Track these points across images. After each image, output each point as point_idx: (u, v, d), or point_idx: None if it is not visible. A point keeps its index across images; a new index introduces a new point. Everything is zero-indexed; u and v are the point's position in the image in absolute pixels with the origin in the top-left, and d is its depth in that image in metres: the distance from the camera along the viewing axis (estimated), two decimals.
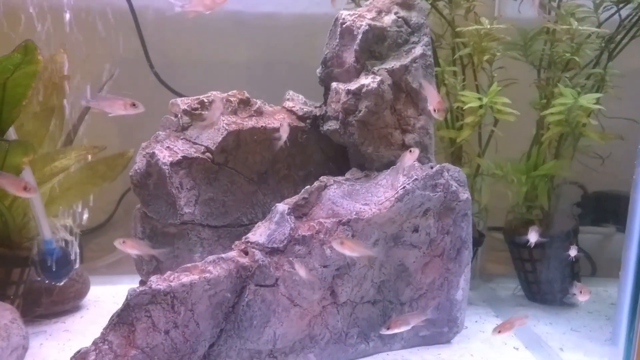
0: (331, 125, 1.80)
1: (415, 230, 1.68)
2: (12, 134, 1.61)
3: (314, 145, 1.89)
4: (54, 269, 1.84)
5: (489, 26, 1.78)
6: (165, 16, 2.42)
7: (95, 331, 1.40)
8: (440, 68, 1.93)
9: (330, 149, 1.90)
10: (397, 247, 1.69)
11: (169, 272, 1.49)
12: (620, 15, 1.96)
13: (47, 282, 1.88)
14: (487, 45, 1.84)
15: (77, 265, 1.95)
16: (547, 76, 1.97)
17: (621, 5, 1.91)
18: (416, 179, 1.62)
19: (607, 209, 2.41)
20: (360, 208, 1.61)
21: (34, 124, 1.71)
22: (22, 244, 1.81)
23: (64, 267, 1.87)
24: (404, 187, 1.60)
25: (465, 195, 1.70)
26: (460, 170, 1.70)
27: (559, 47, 1.89)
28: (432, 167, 1.70)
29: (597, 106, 1.78)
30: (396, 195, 1.59)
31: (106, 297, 2.19)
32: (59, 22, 1.89)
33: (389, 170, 1.70)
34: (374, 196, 1.64)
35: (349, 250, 1.48)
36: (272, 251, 1.55)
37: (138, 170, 1.73)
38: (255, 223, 1.66)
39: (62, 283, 1.91)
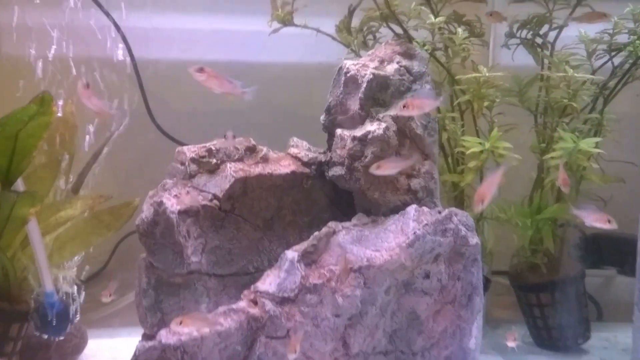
0: (337, 171, 1.80)
1: (427, 276, 1.67)
2: (20, 185, 1.59)
3: (319, 191, 1.89)
4: (54, 323, 1.78)
5: (487, 74, 1.84)
6: (164, 67, 2.48)
7: None
8: (441, 114, 1.96)
9: (335, 195, 1.90)
10: (409, 294, 1.67)
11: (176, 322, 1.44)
12: (612, 63, 2.04)
13: (46, 336, 1.81)
14: (486, 92, 1.89)
15: (77, 319, 1.90)
16: (544, 121, 2.02)
17: (613, 53, 1.99)
18: (426, 224, 1.62)
19: (606, 251, 2.42)
20: (371, 254, 1.60)
21: (42, 174, 1.69)
22: (21, 297, 1.76)
23: (64, 320, 1.82)
24: (414, 233, 1.60)
25: (474, 240, 1.70)
26: (467, 214, 1.71)
27: (556, 94, 1.94)
28: (440, 212, 1.70)
29: (597, 150, 1.82)
30: (407, 241, 1.59)
31: (104, 351, 2.12)
32: (61, 72, 1.91)
33: (397, 215, 1.70)
34: (384, 242, 1.63)
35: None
36: (282, 301, 1.52)
37: (145, 219, 1.70)
38: (262, 271, 1.63)
39: (61, 338, 1.84)
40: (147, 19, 2.43)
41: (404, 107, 1.55)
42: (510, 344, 1.62)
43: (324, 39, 2.35)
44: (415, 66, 1.83)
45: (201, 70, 1.51)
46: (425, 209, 1.66)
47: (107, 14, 2.26)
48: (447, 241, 1.66)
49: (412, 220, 1.62)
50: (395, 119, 1.77)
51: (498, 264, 2.20)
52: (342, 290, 1.54)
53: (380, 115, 1.77)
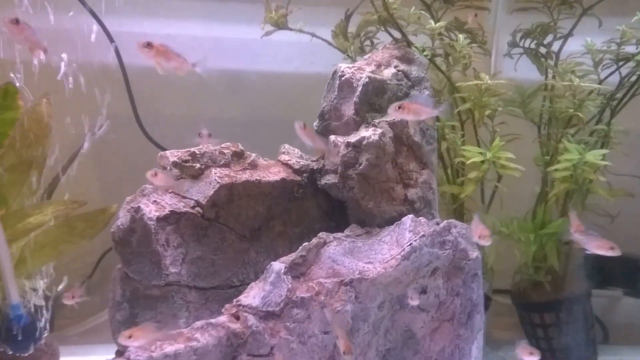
0: (329, 179, 1.71)
1: (424, 291, 1.55)
2: None
3: (311, 201, 1.80)
4: (19, 338, 1.64)
5: (489, 81, 1.75)
6: (156, 73, 2.41)
7: None
8: (440, 122, 1.87)
9: (328, 205, 1.80)
10: (404, 311, 1.56)
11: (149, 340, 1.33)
12: (620, 73, 1.95)
13: (11, 352, 1.68)
14: (488, 100, 1.80)
15: (46, 334, 1.76)
16: (548, 132, 1.93)
17: (621, 63, 1.91)
18: (423, 235, 1.51)
19: (612, 272, 2.30)
20: (364, 267, 1.48)
21: (10, 177, 1.57)
22: None
23: (31, 335, 1.68)
24: (410, 244, 1.49)
25: (474, 253, 1.59)
26: (467, 227, 1.60)
27: (561, 104, 1.85)
28: (437, 223, 1.59)
29: (605, 162, 1.73)
30: (402, 253, 1.48)
31: None
32: (45, 75, 1.83)
33: (392, 226, 1.59)
34: (378, 254, 1.52)
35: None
36: (266, 315, 1.41)
37: (121, 226, 1.60)
38: (247, 284, 1.52)
39: (27, 354, 1.70)
40: (137, 25, 2.37)
41: (399, 108, 1.45)
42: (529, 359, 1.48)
43: (320, 48, 2.31)
44: (414, 71, 1.75)
45: (149, 45, 1.41)
46: (422, 219, 1.56)
47: (96, 18, 2.19)
48: (446, 254, 1.55)
49: (408, 231, 1.52)
50: (392, 125, 1.67)
51: (499, 282, 2.08)
52: (332, 305, 1.43)
53: (376, 121, 1.69)
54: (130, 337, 1.30)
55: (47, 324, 1.76)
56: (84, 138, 1.95)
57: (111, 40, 2.26)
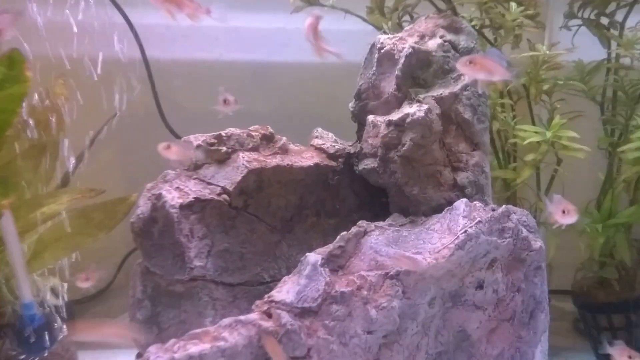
0: (368, 164, 1.54)
1: (480, 286, 1.36)
2: None
3: (347, 189, 1.64)
4: (32, 340, 1.51)
5: (548, 52, 1.55)
6: (179, 66, 2.30)
7: None
8: (491, 100, 1.68)
9: (366, 193, 1.64)
10: (457, 309, 1.37)
11: (172, 340, 1.18)
12: None
13: (23, 356, 1.54)
14: (545, 75, 1.61)
15: (62, 336, 1.62)
16: (614, 111, 1.72)
17: None
18: (480, 222, 1.32)
19: None
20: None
21: (22, 163, 1.45)
22: None
23: (45, 337, 1.55)
24: (465, 231, 1.30)
25: (537, 243, 1.39)
26: (529, 213, 1.41)
27: (631, 76, 1.65)
28: (493, 210, 1.41)
29: None
30: (456, 242, 1.29)
31: None
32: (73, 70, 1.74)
33: (442, 213, 1.41)
34: (427, 243, 1.34)
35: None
36: (302, 312, 1.24)
37: (141, 216, 1.47)
38: (278, 280, 1.36)
39: (41, 357, 1.57)
40: (160, 16, 2.31)
41: (469, 63, 1.25)
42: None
43: (350, 36, 2.17)
44: (462, 41, 1.57)
45: None
46: (477, 203, 1.38)
47: (120, 10, 2.10)
48: (505, 243, 1.36)
49: (462, 217, 1.33)
50: (439, 100, 1.50)
51: (557, 280, 1.87)
52: (376, 300, 1.26)
53: (421, 97, 1.51)
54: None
55: (64, 325, 1.63)
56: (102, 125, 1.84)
57: (134, 31, 2.18)
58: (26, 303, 1.51)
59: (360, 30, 1.97)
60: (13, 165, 1.41)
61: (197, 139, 1.57)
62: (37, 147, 1.45)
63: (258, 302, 1.30)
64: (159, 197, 1.45)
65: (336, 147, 1.63)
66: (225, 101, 1.42)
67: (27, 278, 1.48)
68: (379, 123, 1.53)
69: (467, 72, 1.29)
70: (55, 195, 1.47)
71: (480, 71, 1.29)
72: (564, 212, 1.30)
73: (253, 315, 1.25)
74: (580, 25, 1.82)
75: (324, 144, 1.64)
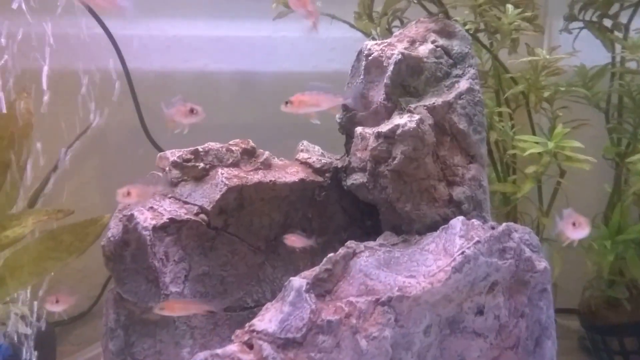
0: (357, 179, 1.45)
1: (480, 312, 1.26)
2: None
3: (335, 205, 1.55)
4: None
5: (547, 56, 1.46)
6: (162, 77, 2.22)
7: None
8: (488, 109, 1.58)
9: (355, 210, 1.55)
10: (455, 336, 1.27)
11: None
12: None
13: None
14: (546, 81, 1.51)
15: None
16: (620, 118, 1.62)
17: None
18: (478, 242, 1.22)
19: None
20: (404, 281, 1.20)
21: None
22: None
23: None
24: (462, 253, 1.20)
25: (542, 264, 1.29)
26: (531, 231, 1.31)
27: (636, 81, 1.55)
28: (493, 227, 1.30)
29: None
30: (453, 264, 1.19)
31: None
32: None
33: (437, 232, 1.31)
34: (421, 265, 1.24)
35: None
36: (286, 344, 1.15)
37: (112, 239, 1.38)
38: (262, 305, 1.28)
39: None
40: (142, 26, 2.23)
41: (286, 104, 1.30)
42: None
43: (339, 44, 2.08)
44: (456, 46, 1.48)
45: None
46: (475, 221, 1.28)
47: (99, 21, 2.02)
48: (507, 265, 1.25)
49: (459, 237, 1.23)
50: (432, 110, 1.41)
51: (563, 299, 1.76)
52: (366, 330, 1.16)
53: (412, 106, 1.42)
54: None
55: (34, 357, 1.51)
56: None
57: (114, 44, 2.10)
58: None
59: (349, 38, 1.90)
60: None
61: (172, 154, 1.48)
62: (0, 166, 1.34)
63: (238, 331, 1.21)
64: (130, 218, 1.36)
65: (323, 161, 1.53)
66: (192, 110, 1.32)
67: None
68: (367, 135, 1.43)
69: (290, 111, 1.31)
70: (20, 217, 1.37)
71: (306, 107, 1.33)
72: (574, 224, 1.21)
73: (232, 347, 1.16)
74: (581, 28, 1.73)
75: (309, 157, 1.54)
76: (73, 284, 2.14)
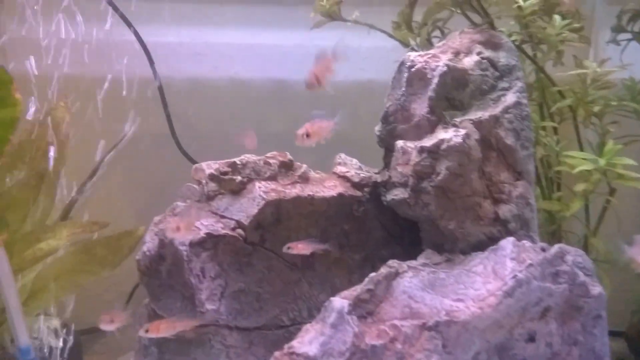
0: (397, 194, 1.39)
1: (531, 338, 1.19)
2: None
3: (374, 221, 1.49)
4: None
5: (598, 69, 1.39)
6: (192, 87, 2.20)
7: None
8: (533, 123, 1.52)
9: (394, 226, 1.50)
10: None
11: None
12: None
13: None
14: (595, 95, 1.45)
15: None
16: None
17: None
18: (531, 265, 1.16)
19: None
20: (452, 305, 1.15)
21: (17, 194, 1.32)
22: None
23: None
24: (514, 276, 1.14)
25: (596, 289, 1.22)
26: (584, 253, 1.24)
27: None
28: (544, 250, 1.24)
29: None
30: (505, 288, 1.13)
31: None
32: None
33: (485, 252, 1.25)
34: (470, 288, 1.18)
35: None
36: None
37: (147, 253, 1.35)
38: (300, 323, 1.28)
39: None
40: (173, 34, 2.19)
41: (306, 136, 1.33)
42: None
43: (373, 52, 2.02)
44: (502, 58, 1.42)
45: None
46: (526, 243, 1.22)
47: (131, 27, 2.00)
48: (560, 290, 1.19)
49: (510, 259, 1.17)
50: (478, 124, 1.35)
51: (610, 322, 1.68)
52: (412, 356, 1.10)
53: (457, 120, 1.36)
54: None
55: None
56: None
57: (146, 50, 2.08)
58: (23, 348, 1.37)
59: (382, 47, 1.85)
60: (6, 198, 1.28)
61: (209, 166, 1.44)
62: (34, 177, 1.32)
63: (277, 353, 1.16)
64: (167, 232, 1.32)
65: (361, 175, 1.48)
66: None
67: (23, 321, 1.34)
68: (409, 149, 1.38)
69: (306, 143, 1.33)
70: (54, 229, 1.34)
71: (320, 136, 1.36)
72: None
73: None
74: (630, 39, 1.66)
75: (347, 171, 1.50)
76: (100, 292, 2.12)
